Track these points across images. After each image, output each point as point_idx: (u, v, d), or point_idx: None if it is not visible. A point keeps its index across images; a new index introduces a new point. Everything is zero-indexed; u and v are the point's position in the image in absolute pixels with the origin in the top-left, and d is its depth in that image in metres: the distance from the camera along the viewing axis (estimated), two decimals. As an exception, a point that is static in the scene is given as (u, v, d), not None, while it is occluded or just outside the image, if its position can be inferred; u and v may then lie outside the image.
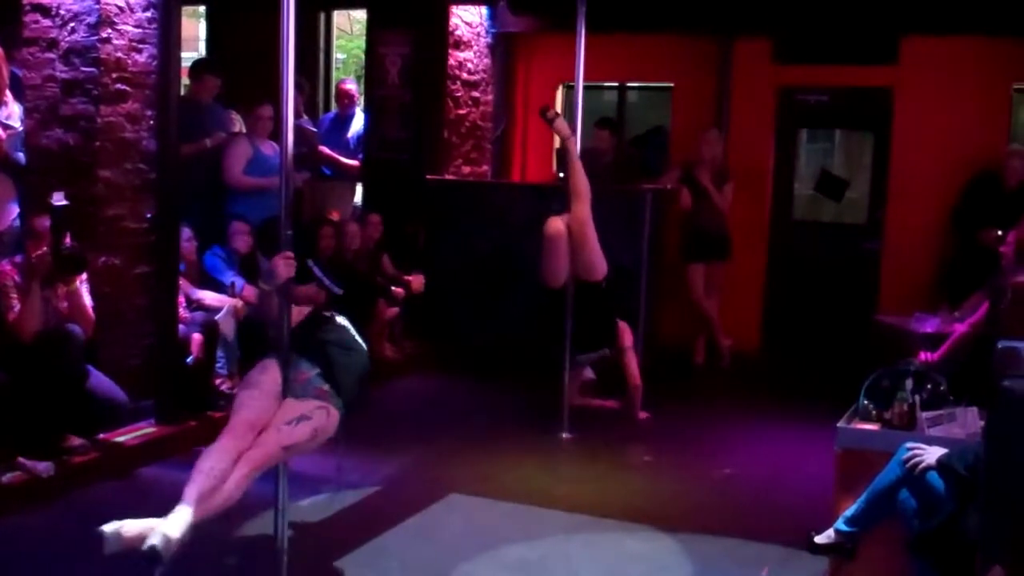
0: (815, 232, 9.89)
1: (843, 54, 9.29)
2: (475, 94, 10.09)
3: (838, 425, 4.83)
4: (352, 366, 4.76)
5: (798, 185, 10.01)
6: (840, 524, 4.64)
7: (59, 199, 5.61)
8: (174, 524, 4.02)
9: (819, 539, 4.73)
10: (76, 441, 5.98)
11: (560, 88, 10.42)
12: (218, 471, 4.24)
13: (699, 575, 5.02)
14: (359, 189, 10.14)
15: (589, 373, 8.18)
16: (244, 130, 8.24)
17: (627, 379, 7.41)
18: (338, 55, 12.13)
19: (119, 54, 6.29)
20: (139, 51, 6.40)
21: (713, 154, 9.14)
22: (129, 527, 4.02)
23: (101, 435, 6.16)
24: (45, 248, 5.72)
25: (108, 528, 4.01)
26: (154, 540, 3.93)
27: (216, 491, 4.22)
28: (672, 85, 10.22)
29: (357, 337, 4.92)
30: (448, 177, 9.71)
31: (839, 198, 9.83)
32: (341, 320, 4.97)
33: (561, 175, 9.77)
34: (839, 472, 4.81)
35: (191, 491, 4.17)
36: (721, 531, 5.53)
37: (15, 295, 5.75)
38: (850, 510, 4.62)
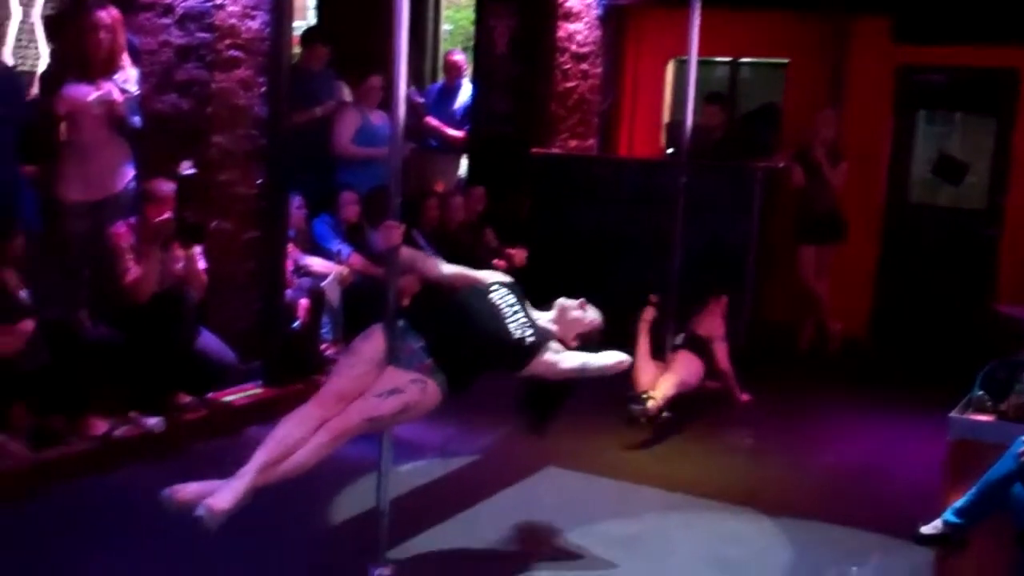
0: (932, 217, 9.63)
1: (967, 33, 9.00)
2: (584, 67, 10.02)
3: (951, 415, 4.71)
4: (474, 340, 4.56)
5: (915, 168, 9.76)
6: (949, 515, 4.54)
7: (187, 168, 5.72)
8: (226, 496, 4.04)
9: (926, 530, 4.63)
10: (186, 399, 6.13)
11: (671, 63, 10.30)
12: (292, 440, 4.22)
13: (798, 560, 4.95)
14: (464, 161, 10.16)
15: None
16: (351, 100, 8.30)
17: (716, 365, 7.29)
18: (445, 26, 12.13)
19: (233, 20, 6.38)
20: (252, 18, 6.48)
21: (828, 134, 8.94)
22: (185, 491, 4.10)
23: (210, 394, 6.30)
24: (169, 214, 5.82)
25: (167, 490, 4.09)
26: (201, 511, 3.98)
27: (285, 459, 4.21)
28: (787, 61, 10.03)
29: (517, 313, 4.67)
30: (554, 150, 9.67)
31: (958, 182, 9.55)
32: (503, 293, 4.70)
33: (670, 150, 9.71)
34: (950, 463, 4.70)
35: (257, 459, 4.17)
36: (822, 517, 5.45)
37: (131, 256, 5.88)
38: (960, 502, 4.51)
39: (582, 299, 4.84)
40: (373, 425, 4.36)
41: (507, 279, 4.79)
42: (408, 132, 8.27)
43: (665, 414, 6.86)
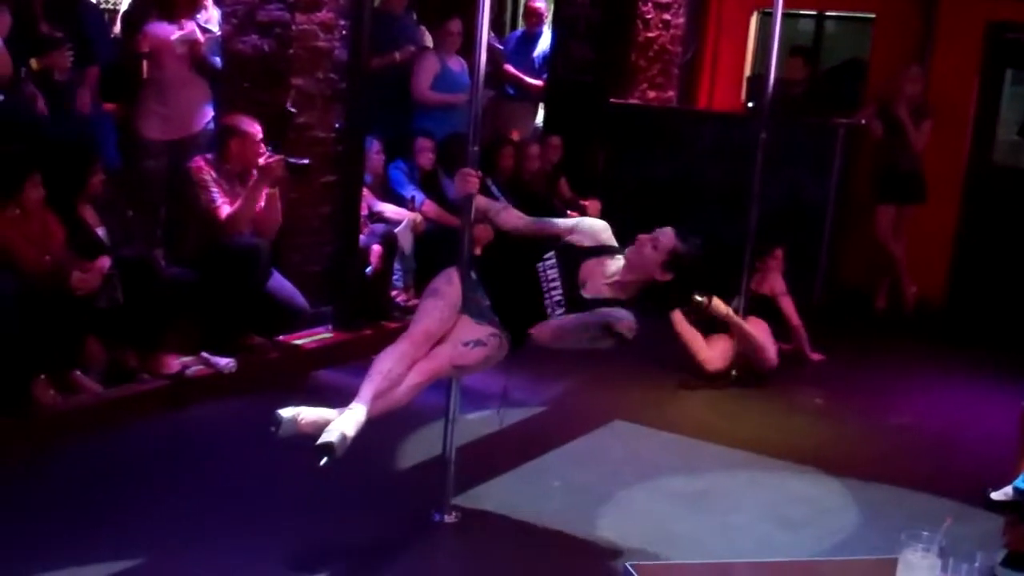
0: (1016, 180, 9.40)
1: (1061, -12, 8.73)
2: (666, 16, 9.88)
3: (1027, 381, 4.63)
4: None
5: (1000, 130, 9.52)
6: (1020, 483, 4.48)
7: (300, 160, 5.79)
8: (350, 421, 4.10)
9: (996, 496, 4.59)
10: (257, 340, 6.19)
11: (755, 15, 10.12)
12: (395, 374, 4.29)
13: (865, 522, 4.90)
14: (541, 110, 10.09)
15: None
16: (431, 44, 8.27)
17: (787, 321, 7.21)
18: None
19: (315, -38, 6.38)
20: (334, -41, 6.47)
21: (913, 90, 8.74)
22: (307, 415, 4.17)
23: (281, 337, 6.35)
24: (279, 158, 5.87)
25: (286, 413, 4.16)
26: (330, 437, 4.02)
27: (390, 393, 4.28)
28: (873, 16, 9.80)
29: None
30: (632, 101, 9.57)
31: (1045, 145, 9.32)
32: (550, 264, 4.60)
33: (750, 104, 9.57)
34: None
35: (368, 389, 4.23)
36: (890, 480, 5.38)
37: (216, 189, 5.91)
38: (1031, 470, 4.45)
39: (651, 234, 4.67)
40: (459, 372, 4.48)
41: (582, 229, 4.68)
42: (487, 79, 8.28)
43: (734, 373, 6.84)
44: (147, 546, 4.16)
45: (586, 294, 4.47)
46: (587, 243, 4.61)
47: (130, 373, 5.57)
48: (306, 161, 6.08)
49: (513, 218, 4.73)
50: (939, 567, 3.20)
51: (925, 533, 3.22)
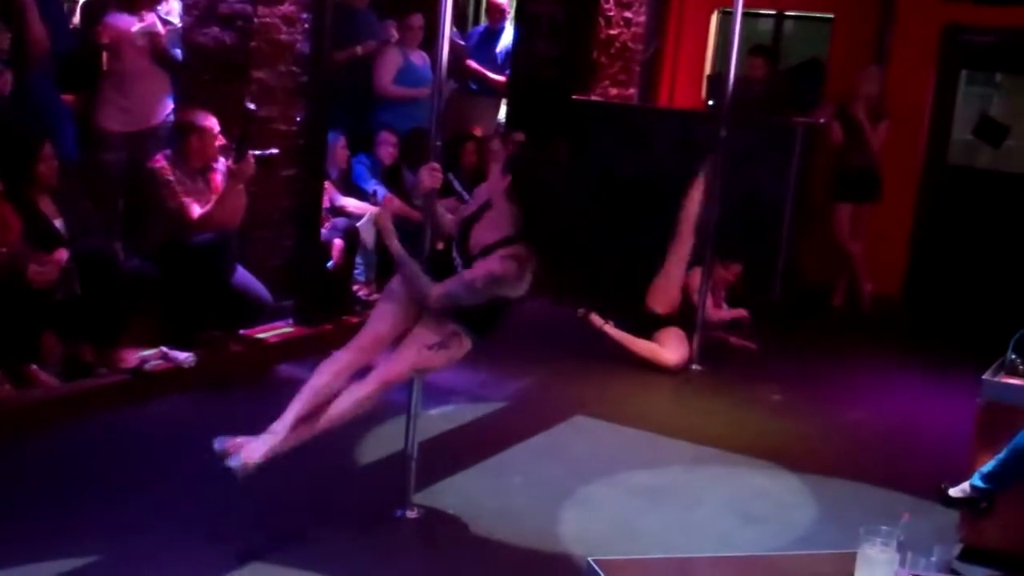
0: (970, 179, 9.52)
1: (1017, -8, 8.85)
2: (627, 14, 9.91)
3: (983, 377, 4.68)
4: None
5: (955, 129, 9.63)
6: (976, 480, 4.52)
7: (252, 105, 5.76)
8: (258, 449, 4.11)
9: (953, 492, 4.61)
10: (218, 334, 6.15)
11: (715, 14, 10.18)
12: (329, 390, 4.27)
13: (824, 517, 4.94)
14: (503, 106, 10.09)
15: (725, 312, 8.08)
16: (397, 39, 8.25)
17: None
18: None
19: (278, -46, 6.34)
20: (297, -48, 6.44)
21: (871, 91, 8.83)
22: (234, 443, 4.16)
23: (242, 331, 6.32)
24: (250, 156, 5.85)
25: (219, 442, 4.17)
26: (232, 462, 4.06)
27: (323, 411, 4.26)
28: (832, 16, 9.89)
29: None
30: (594, 98, 9.60)
31: (998, 144, 9.43)
32: None
33: (711, 102, 9.62)
34: (979, 425, 4.67)
35: (290, 414, 4.21)
36: (849, 475, 5.44)
37: (180, 188, 5.88)
38: (988, 466, 4.49)
39: None
40: (420, 375, 4.46)
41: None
42: (449, 74, 8.27)
43: (695, 367, 6.90)
44: (105, 541, 4.12)
45: (476, 251, 4.30)
46: None
47: (88, 367, 5.51)
48: (274, 151, 6.06)
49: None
50: (897, 561, 3.24)
51: (884, 528, 3.26)
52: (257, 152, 5.90)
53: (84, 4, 7.02)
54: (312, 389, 4.28)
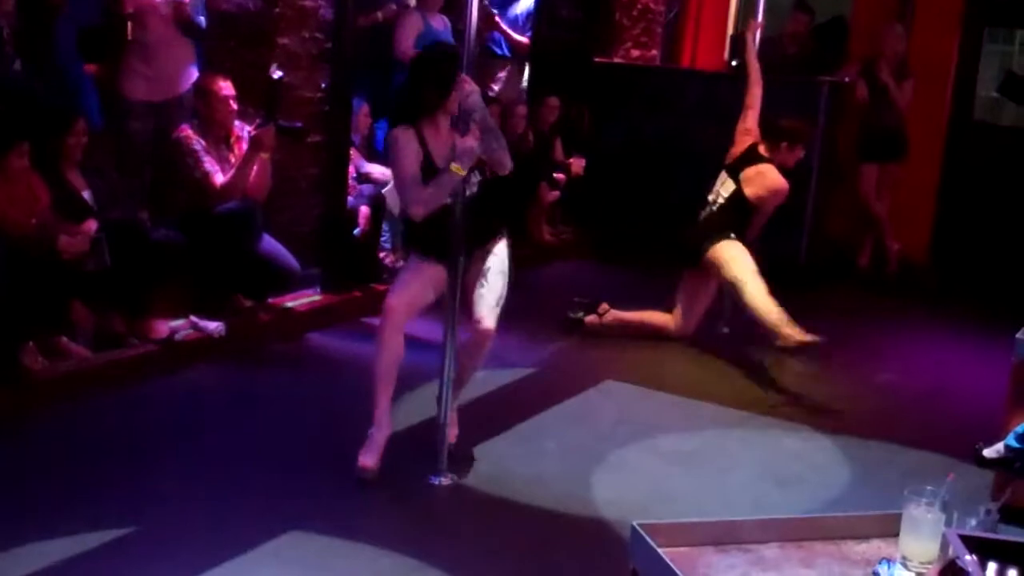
0: (995, 136, 9.44)
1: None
2: (649, -25, 9.84)
3: (1017, 336, 4.64)
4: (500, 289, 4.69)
5: (980, 86, 9.54)
6: (1011, 440, 4.48)
7: (276, 72, 5.71)
8: (373, 453, 4.55)
9: (987, 453, 4.58)
10: (247, 303, 6.16)
11: (739, -26, 10.09)
12: (401, 353, 4.63)
13: (858, 479, 4.94)
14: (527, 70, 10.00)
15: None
16: (414, 3, 8.18)
17: None
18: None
19: (300, -80, 6.30)
20: (319, -82, 6.40)
21: (895, 49, 8.75)
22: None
23: (270, 299, 6.33)
24: (271, 124, 5.82)
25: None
26: (360, 475, 4.51)
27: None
28: (856, -27, 9.79)
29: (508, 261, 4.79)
30: (616, 60, 9.53)
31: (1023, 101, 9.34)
32: (502, 244, 4.78)
33: (734, 63, 9.53)
34: (1014, 385, 4.64)
35: (383, 400, 4.61)
36: (882, 437, 5.43)
37: (206, 157, 5.86)
38: (1022, 426, 4.47)
39: None
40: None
41: None
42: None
43: (724, 330, 6.87)
44: (139, 511, 4.13)
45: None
46: None
47: (118, 338, 5.52)
48: (299, 124, 6.04)
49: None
50: (943, 521, 3.21)
51: (928, 488, 3.24)
52: (283, 122, 5.86)
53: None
54: (386, 366, 4.55)
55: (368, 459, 4.50)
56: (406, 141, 4.52)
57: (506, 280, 4.70)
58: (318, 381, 5.72)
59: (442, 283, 4.59)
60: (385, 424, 4.59)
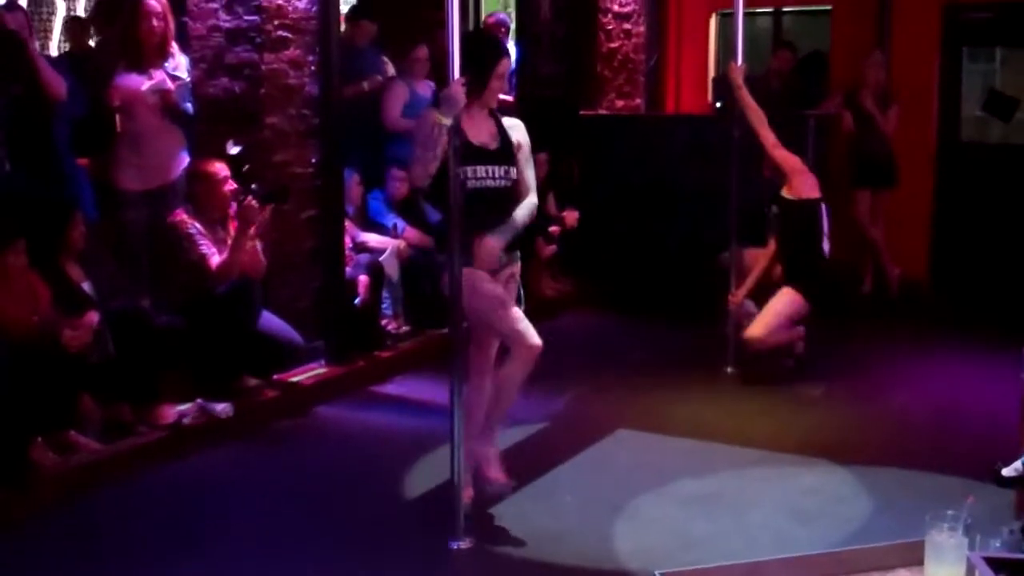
0: (984, 154, 9.51)
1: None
2: (627, 26, 9.95)
3: (1024, 350, 4.65)
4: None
5: (964, 106, 9.62)
6: (1028, 456, 4.47)
7: (233, 147, 5.75)
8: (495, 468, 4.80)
9: (1006, 472, 4.55)
10: (253, 381, 6.16)
11: (714, 16, 10.20)
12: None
13: (878, 508, 4.90)
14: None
15: (751, 307, 8.05)
16: (395, 74, 8.25)
17: None
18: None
19: (280, 1, 6.37)
20: (299, -3, 6.48)
21: (877, 77, 8.85)
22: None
23: (276, 375, 6.33)
24: (250, 197, 5.83)
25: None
26: (492, 489, 4.79)
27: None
28: (830, 8, 9.89)
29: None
30: (601, 111, 9.62)
31: (1009, 118, 9.40)
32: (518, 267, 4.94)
33: (718, 104, 9.62)
34: (1026, 401, 4.63)
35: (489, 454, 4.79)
36: (899, 464, 5.40)
37: (203, 240, 5.90)
38: (1038, 442, 4.46)
39: None
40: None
41: None
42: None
43: (729, 370, 6.87)
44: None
45: None
46: None
47: (127, 427, 5.51)
48: (280, 186, 6.08)
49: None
50: (966, 545, 3.20)
51: (949, 512, 3.23)
52: (255, 187, 5.87)
53: (92, 68, 7.05)
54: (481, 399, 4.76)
55: (495, 471, 4.73)
56: (426, 118, 4.53)
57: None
58: (329, 455, 5.70)
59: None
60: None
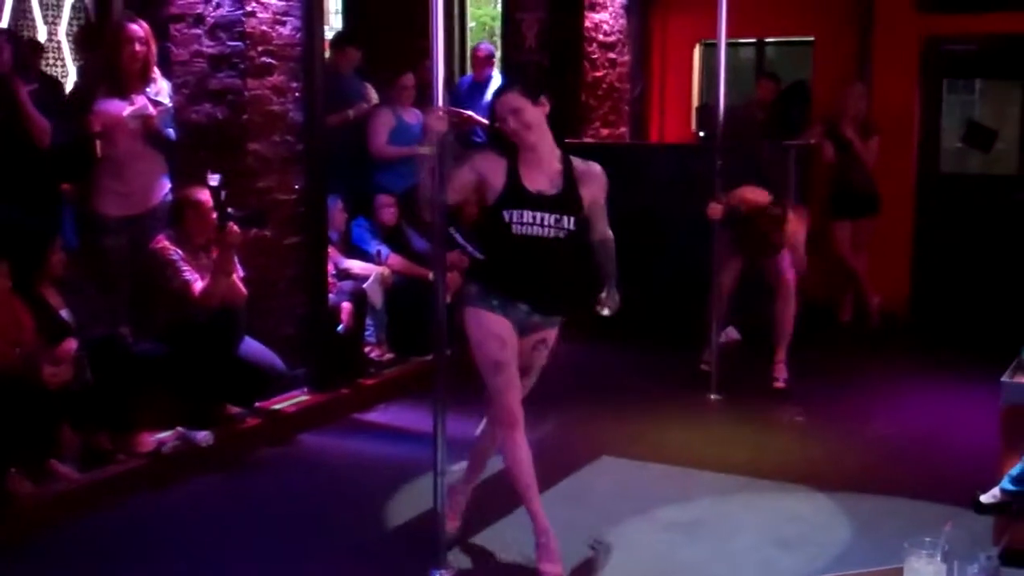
0: (964, 185, 9.57)
1: (992, 0, 8.93)
2: (611, 55, 10.00)
3: (1002, 380, 4.68)
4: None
5: (944, 137, 9.69)
6: (1006, 483, 4.49)
7: (212, 179, 5.75)
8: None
9: (984, 499, 4.58)
10: (234, 410, 6.13)
11: (698, 46, 10.27)
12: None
13: (860, 535, 4.91)
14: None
15: (734, 333, 8.09)
16: (378, 102, 8.27)
17: None
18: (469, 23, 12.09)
19: (264, 27, 6.38)
20: (283, 24, 6.48)
21: (858, 108, 8.91)
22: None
23: (258, 403, 6.29)
24: (232, 224, 5.80)
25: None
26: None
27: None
28: (812, 39, 9.97)
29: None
30: (586, 140, 9.65)
31: (988, 149, 9.48)
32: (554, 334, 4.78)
33: (702, 133, 9.68)
34: (1004, 429, 4.66)
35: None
36: (880, 491, 5.42)
37: (185, 267, 5.88)
38: (1016, 468, 4.47)
39: None
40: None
41: None
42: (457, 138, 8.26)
43: (713, 396, 6.88)
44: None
45: None
46: None
47: (106, 455, 5.46)
48: (260, 210, 6.09)
49: None
50: (944, 571, 3.21)
51: (927, 539, 3.24)
52: (232, 211, 5.85)
53: (72, 92, 7.05)
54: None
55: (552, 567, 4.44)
56: (472, 157, 4.50)
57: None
58: (311, 483, 5.67)
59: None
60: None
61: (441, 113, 4.36)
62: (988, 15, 8.96)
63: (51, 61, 7.89)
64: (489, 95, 9.59)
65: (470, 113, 9.30)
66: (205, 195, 5.90)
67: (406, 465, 5.30)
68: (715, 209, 6.99)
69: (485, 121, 9.44)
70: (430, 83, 4.42)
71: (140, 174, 6.29)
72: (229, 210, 5.80)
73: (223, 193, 5.79)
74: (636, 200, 8.88)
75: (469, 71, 10.37)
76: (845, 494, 5.37)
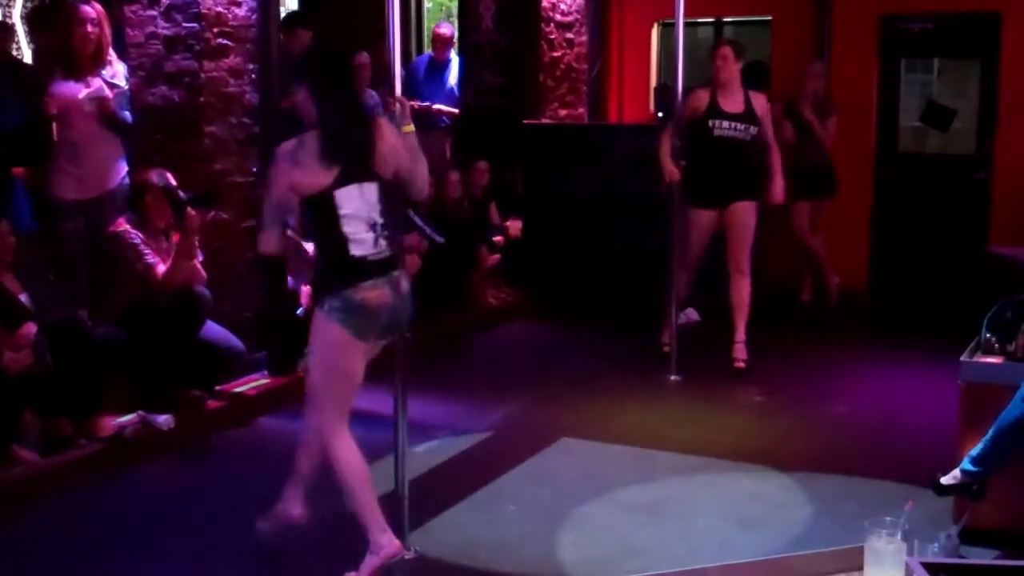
0: (921, 164, 9.64)
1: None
2: (569, 35, 9.98)
3: (961, 359, 4.72)
4: None
5: (902, 116, 9.75)
6: (966, 464, 4.53)
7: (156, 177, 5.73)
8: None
9: (944, 480, 4.63)
10: (195, 393, 6.09)
11: (655, 26, 10.27)
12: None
13: (819, 514, 4.96)
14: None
15: (694, 315, 8.12)
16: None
17: None
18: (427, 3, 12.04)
19: (219, 8, 6.33)
20: (238, 5, 6.44)
21: (816, 87, 8.94)
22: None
23: (218, 386, 6.27)
24: (189, 210, 5.75)
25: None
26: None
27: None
28: (770, 18, 10.00)
29: None
30: (545, 121, 9.65)
31: (946, 128, 9.54)
32: None
33: (660, 114, 9.69)
34: (963, 408, 4.70)
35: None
36: (839, 470, 5.47)
37: (147, 250, 5.83)
38: (975, 449, 4.51)
39: None
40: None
41: None
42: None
43: (673, 377, 6.90)
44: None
45: None
46: None
47: (67, 439, 5.42)
48: (211, 189, 6.04)
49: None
50: (904, 551, 3.23)
51: (887, 519, 3.26)
52: (183, 194, 5.79)
53: (29, 76, 6.95)
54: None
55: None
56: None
57: None
58: (272, 469, 5.62)
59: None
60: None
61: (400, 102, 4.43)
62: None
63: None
64: (453, 78, 9.56)
65: (439, 106, 9.28)
66: (165, 177, 5.84)
67: (366, 447, 5.24)
68: (672, 173, 6.98)
69: (450, 110, 9.43)
70: (386, 65, 4.39)
71: (96, 157, 6.22)
72: (181, 194, 5.76)
73: (175, 186, 5.76)
74: (594, 180, 8.92)
75: (427, 50, 10.33)
76: (805, 474, 5.41)
